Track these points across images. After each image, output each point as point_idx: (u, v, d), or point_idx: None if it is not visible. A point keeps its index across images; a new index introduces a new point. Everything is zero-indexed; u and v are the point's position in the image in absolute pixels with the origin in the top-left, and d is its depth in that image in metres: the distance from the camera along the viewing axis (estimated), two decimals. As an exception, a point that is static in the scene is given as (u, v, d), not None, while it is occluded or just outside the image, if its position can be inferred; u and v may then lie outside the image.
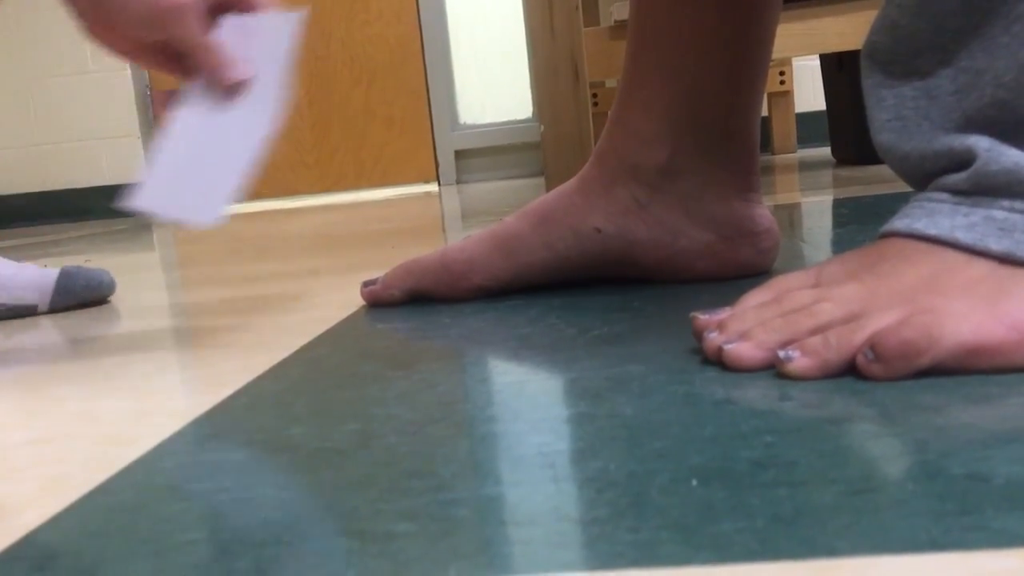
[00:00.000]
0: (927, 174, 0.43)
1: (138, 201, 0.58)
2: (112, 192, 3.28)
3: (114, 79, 3.24)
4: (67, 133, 3.28)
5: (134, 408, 0.46)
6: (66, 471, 0.37)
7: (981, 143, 0.40)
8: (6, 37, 3.24)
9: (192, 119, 0.60)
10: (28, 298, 0.82)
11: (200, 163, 0.60)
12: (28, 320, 0.81)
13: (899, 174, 0.45)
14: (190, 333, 0.69)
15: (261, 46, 0.62)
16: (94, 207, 3.26)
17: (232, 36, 0.61)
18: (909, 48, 0.43)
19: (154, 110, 3.25)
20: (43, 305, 0.83)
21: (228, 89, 0.60)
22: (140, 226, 2.47)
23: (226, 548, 0.28)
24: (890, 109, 0.44)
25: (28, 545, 0.30)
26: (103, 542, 0.30)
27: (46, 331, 0.76)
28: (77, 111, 3.26)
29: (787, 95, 2.47)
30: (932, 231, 0.40)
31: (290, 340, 0.59)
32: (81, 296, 0.84)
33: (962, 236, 0.39)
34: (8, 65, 3.25)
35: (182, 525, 0.30)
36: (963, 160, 0.41)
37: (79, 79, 3.24)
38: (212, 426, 0.41)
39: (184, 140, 0.60)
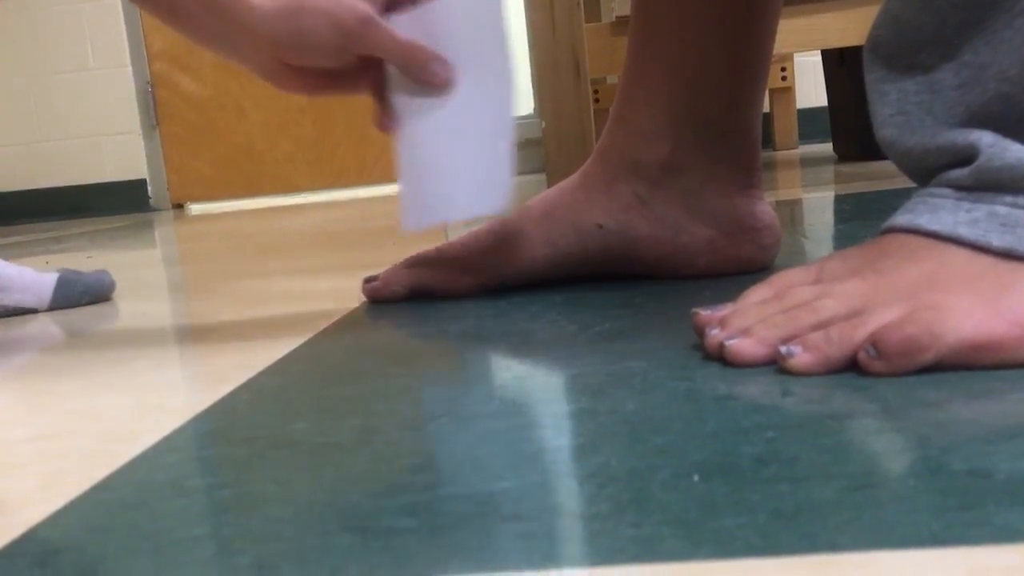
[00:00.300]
0: (930, 169, 0.43)
1: (410, 223, 0.57)
2: (114, 188, 3.29)
3: (115, 76, 3.24)
4: (69, 130, 3.28)
5: (135, 404, 0.46)
6: (67, 467, 0.37)
7: (984, 138, 0.40)
8: (7, 35, 3.24)
9: (419, 123, 0.58)
10: (28, 302, 0.82)
11: (454, 159, 0.58)
12: (29, 316, 0.81)
13: (902, 169, 0.45)
14: (191, 329, 0.69)
15: (457, 25, 0.59)
16: (96, 204, 3.26)
17: (418, 27, 0.59)
18: (912, 42, 0.43)
19: (157, 115, 3.24)
20: (42, 309, 0.83)
21: (440, 82, 0.58)
22: (142, 223, 2.47)
23: (227, 544, 0.28)
24: (893, 104, 0.44)
25: (29, 541, 0.30)
26: (104, 538, 0.30)
27: (47, 327, 0.76)
28: (79, 108, 3.26)
29: (789, 91, 2.47)
30: (935, 227, 0.40)
31: (291, 336, 0.59)
32: (79, 302, 0.85)
33: (964, 232, 0.39)
34: (9, 62, 3.25)
35: (183, 521, 0.30)
36: (966, 155, 0.41)
37: (80, 76, 3.24)
38: (213, 422, 0.41)
39: (424, 145, 0.58)
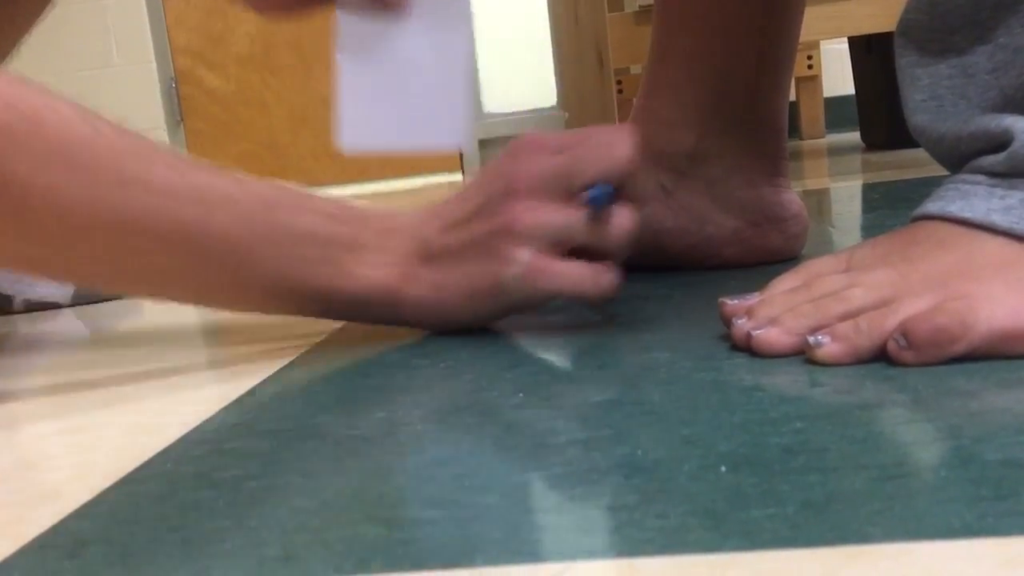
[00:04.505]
0: (963, 156, 0.42)
1: (349, 142, 0.55)
2: (140, 184, 3.31)
3: (139, 72, 3.26)
4: (95, 126, 3.30)
5: (162, 397, 0.46)
6: (96, 459, 0.37)
7: (1018, 124, 0.39)
8: (31, 32, 3.26)
9: (369, 45, 0.55)
10: (52, 296, 0.83)
11: (404, 86, 0.55)
12: (56, 311, 0.82)
13: (934, 156, 0.45)
14: (217, 323, 0.69)
15: None
16: (122, 199, 3.29)
17: None
18: (946, 25, 0.42)
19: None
20: (65, 303, 0.84)
21: (394, 5, 0.56)
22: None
23: (254, 536, 0.28)
24: (925, 89, 0.43)
25: (60, 533, 0.30)
26: (133, 529, 0.30)
27: (72, 322, 0.76)
28: (103, 104, 3.26)
29: (815, 79, 2.44)
30: (967, 214, 0.39)
31: (316, 329, 0.59)
32: (101, 296, 0.85)
33: (998, 219, 0.38)
34: (33, 60, 3.27)
35: (211, 512, 0.30)
36: (1000, 141, 0.40)
37: (104, 72, 3.27)
38: (239, 415, 0.41)
39: (372, 68, 0.55)
